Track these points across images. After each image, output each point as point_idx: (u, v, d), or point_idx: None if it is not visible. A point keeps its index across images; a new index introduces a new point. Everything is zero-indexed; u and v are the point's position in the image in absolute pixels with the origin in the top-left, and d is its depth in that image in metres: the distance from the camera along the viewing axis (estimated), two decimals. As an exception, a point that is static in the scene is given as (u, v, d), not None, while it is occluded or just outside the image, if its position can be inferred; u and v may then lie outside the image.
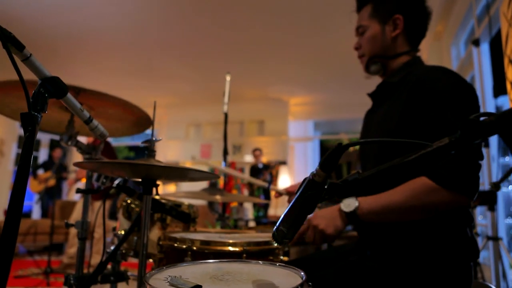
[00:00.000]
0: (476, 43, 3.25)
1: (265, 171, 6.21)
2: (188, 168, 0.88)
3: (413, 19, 1.18)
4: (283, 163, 7.44)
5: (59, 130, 1.35)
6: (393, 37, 1.18)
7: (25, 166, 0.66)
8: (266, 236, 1.17)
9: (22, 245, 4.76)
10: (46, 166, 6.97)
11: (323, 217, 0.98)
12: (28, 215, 8.08)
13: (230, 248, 1.02)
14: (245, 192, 6.97)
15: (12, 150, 7.73)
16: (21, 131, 7.50)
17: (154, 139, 0.93)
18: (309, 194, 0.53)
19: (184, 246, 1.01)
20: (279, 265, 0.79)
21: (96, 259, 3.68)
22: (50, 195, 6.62)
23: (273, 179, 6.47)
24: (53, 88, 0.66)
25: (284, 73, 6.60)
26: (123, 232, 1.29)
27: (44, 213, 6.81)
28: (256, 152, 6.29)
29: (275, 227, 0.60)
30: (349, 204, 0.96)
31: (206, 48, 5.62)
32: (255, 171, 6.35)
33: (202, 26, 4.85)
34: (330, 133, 11.25)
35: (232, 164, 7.48)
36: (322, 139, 10.53)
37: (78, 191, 1.06)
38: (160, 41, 5.34)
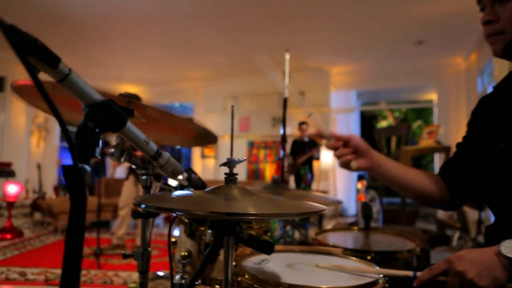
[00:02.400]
0: None
1: (313, 148, 5.87)
2: (287, 206, 0.65)
3: None
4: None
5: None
6: None
7: (76, 246, 0.44)
8: (369, 270, 0.93)
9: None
10: (90, 142, 7.09)
11: (474, 263, 0.71)
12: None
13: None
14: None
15: (57, 126, 7.94)
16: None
17: (236, 159, 0.69)
18: None
19: (271, 292, 0.80)
20: None
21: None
22: (96, 171, 6.76)
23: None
24: (106, 117, 0.43)
25: (325, 42, 6.14)
26: (185, 254, 1.10)
27: (91, 190, 7.00)
28: (303, 126, 5.94)
29: None
30: None
31: (243, 18, 5.27)
32: (299, 145, 6.02)
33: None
34: (370, 103, 10.63)
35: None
36: (362, 110, 9.96)
37: (135, 216, 0.87)
38: (196, 12, 5.04)
